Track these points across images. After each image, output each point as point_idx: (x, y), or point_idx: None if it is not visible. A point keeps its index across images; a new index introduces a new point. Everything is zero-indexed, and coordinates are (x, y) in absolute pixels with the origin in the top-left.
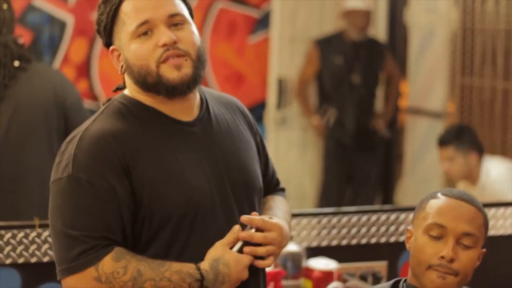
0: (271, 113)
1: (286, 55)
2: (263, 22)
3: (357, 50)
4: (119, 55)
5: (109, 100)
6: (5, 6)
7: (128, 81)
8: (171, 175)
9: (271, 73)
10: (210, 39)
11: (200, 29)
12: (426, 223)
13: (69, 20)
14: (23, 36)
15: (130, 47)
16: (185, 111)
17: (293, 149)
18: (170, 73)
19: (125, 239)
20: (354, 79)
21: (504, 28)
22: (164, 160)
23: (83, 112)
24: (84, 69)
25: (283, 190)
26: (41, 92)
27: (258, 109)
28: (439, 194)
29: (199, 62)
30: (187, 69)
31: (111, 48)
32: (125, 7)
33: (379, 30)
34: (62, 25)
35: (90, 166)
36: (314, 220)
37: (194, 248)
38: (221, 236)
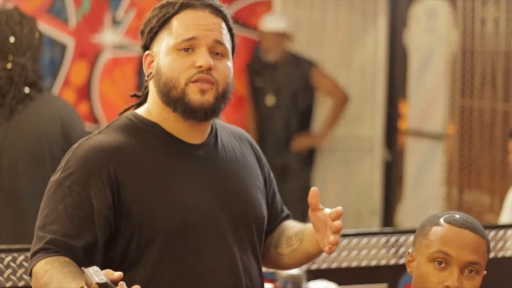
0: None
1: None
2: None
3: (272, 71)
4: (152, 61)
5: (125, 110)
6: (37, 34)
7: (151, 90)
8: (164, 192)
9: None
10: None
11: None
12: (430, 251)
13: (70, 42)
14: None
15: (167, 57)
16: (194, 134)
17: None
18: (194, 94)
19: (93, 247)
20: (268, 101)
21: (504, 50)
22: (159, 177)
23: None
24: (85, 92)
25: (288, 216)
26: (48, 121)
27: None
28: (441, 221)
29: (222, 96)
30: (210, 96)
31: (146, 52)
32: (179, 19)
33: (379, 51)
34: (62, 48)
35: (75, 174)
36: None
37: (185, 268)
38: (215, 258)
